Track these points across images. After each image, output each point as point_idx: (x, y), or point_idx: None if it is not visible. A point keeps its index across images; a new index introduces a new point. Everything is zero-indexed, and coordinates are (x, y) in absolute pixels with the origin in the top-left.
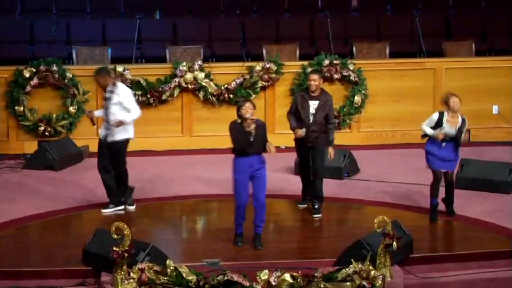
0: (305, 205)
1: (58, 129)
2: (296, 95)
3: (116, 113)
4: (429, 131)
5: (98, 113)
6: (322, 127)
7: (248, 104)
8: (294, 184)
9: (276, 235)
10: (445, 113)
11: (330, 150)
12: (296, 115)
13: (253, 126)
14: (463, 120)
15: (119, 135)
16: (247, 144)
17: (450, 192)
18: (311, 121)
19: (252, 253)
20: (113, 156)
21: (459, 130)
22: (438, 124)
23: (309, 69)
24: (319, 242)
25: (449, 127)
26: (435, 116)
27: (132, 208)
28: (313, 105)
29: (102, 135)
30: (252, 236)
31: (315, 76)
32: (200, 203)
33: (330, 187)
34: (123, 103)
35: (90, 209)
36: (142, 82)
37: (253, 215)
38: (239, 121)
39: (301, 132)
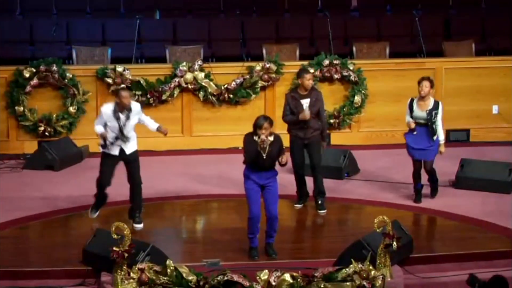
0: (301, 205)
1: (58, 129)
2: (287, 98)
3: (133, 128)
4: (407, 118)
5: (99, 129)
6: (316, 124)
7: (266, 125)
8: (293, 184)
9: (277, 235)
10: (415, 98)
11: (323, 144)
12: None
13: (268, 143)
14: (436, 103)
15: (135, 146)
16: (260, 160)
17: (433, 182)
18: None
19: None
20: (133, 168)
21: (429, 113)
22: (411, 110)
23: (310, 69)
24: (319, 242)
25: (419, 111)
26: (408, 102)
27: (140, 226)
28: (306, 103)
29: (116, 152)
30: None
31: (310, 75)
32: (200, 203)
33: (330, 187)
34: (141, 116)
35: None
36: (142, 82)
37: (265, 225)
38: (255, 137)
39: (306, 112)
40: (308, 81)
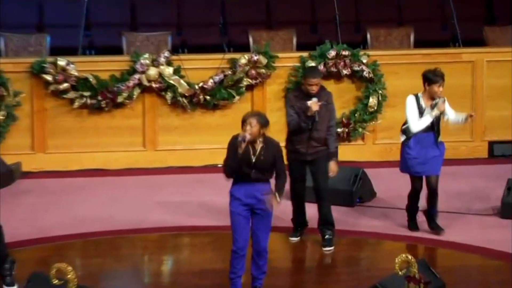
0: (298, 238)
1: None
2: (289, 99)
3: None
4: (430, 118)
5: None
6: (323, 136)
7: (250, 120)
8: (288, 214)
9: (268, 279)
10: (420, 95)
11: (332, 165)
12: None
13: (259, 146)
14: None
15: None
16: (244, 168)
17: (434, 202)
18: (311, 126)
19: None
20: None
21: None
22: (420, 109)
23: (310, 63)
24: None
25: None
26: (413, 100)
27: None
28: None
29: None
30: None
31: (315, 80)
32: (168, 238)
33: (337, 216)
34: None
35: (23, 246)
36: (91, 79)
37: (250, 263)
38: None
39: (313, 103)
40: (309, 86)
